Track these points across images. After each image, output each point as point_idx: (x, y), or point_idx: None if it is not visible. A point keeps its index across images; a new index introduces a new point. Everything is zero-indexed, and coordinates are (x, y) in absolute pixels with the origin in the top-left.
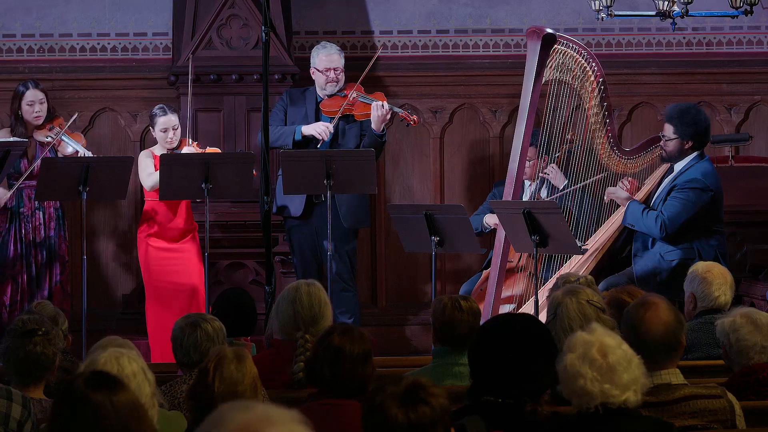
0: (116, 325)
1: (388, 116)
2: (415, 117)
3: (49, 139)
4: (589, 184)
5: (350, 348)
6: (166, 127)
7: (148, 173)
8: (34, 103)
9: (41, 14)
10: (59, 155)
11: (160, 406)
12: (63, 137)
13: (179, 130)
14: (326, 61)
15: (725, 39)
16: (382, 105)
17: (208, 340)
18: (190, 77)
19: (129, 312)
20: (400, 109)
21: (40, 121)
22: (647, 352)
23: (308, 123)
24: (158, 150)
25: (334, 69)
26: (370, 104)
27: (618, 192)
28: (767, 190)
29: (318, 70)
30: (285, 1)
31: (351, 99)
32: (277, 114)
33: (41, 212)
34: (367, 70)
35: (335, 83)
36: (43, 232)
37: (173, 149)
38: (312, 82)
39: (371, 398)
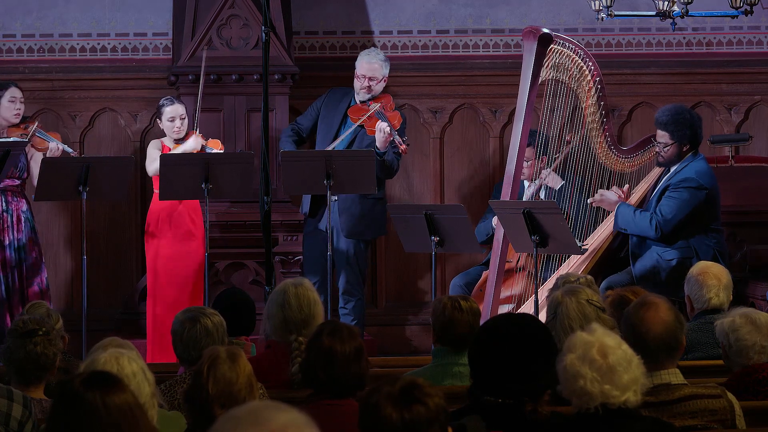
0: (116, 326)
1: (390, 138)
2: (404, 147)
3: (24, 137)
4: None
5: (341, 348)
6: (174, 116)
7: (152, 159)
8: (15, 100)
9: (41, 14)
10: (29, 154)
11: (160, 406)
12: (38, 133)
13: (186, 120)
14: (365, 68)
15: (725, 39)
16: (381, 129)
17: (207, 335)
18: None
19: (129, 312)
20: (398, 136)
21: (18, 120)
22: (647, 352)
23: (332, 131)
24: (168, 140)
25: (369, 78)
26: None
27: (607, 195)
28: (767, 190)
29: (357, 74)
30: (285, 1)
31: (371, 112)
32: (306, 114)
33: (9, 215)
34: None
35: (367, 92)
36: (11, 234)
37: (180, 139)
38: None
39: (367, 398)
